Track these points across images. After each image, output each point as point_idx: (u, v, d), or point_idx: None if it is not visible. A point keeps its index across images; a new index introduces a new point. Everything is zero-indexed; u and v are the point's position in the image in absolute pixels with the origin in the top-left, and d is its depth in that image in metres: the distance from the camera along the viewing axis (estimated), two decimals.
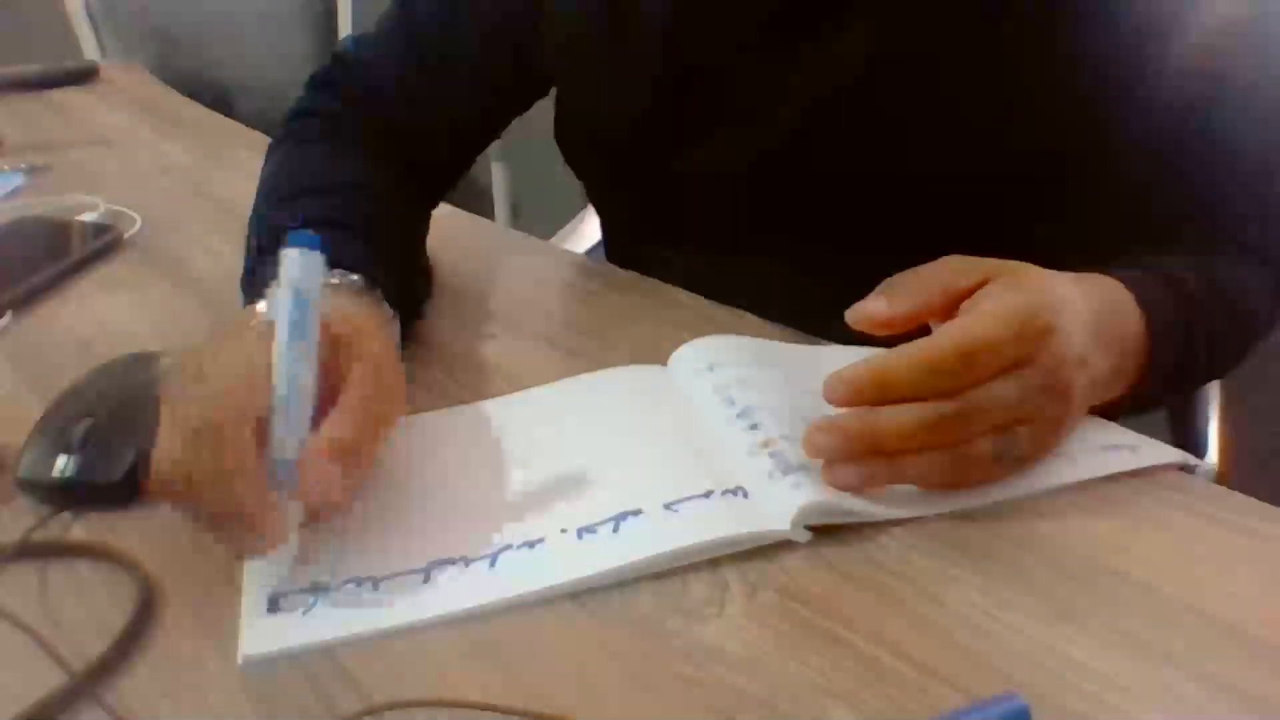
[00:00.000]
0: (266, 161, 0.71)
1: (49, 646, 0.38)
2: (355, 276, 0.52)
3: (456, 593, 0.41)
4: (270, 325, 0.42)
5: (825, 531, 0.43)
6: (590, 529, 0.43)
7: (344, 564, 0.42)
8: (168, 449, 0.39)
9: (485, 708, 0.35)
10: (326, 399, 0.43)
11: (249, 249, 0.60)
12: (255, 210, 0.64)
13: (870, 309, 0.46)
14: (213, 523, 0.41)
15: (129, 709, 0.36)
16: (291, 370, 0.41)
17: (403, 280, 0.58)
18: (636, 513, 0.44)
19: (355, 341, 0.45)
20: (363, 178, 0.66)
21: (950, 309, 0.45)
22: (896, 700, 0.35)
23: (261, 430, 0.41)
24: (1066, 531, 0.43)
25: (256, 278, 0.53)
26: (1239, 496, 0.45)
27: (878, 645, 0.38)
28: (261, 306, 0.47)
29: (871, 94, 0.60)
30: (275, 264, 0.43)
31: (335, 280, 0.51)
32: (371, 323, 0.48)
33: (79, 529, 0.46)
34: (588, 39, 0.68)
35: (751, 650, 0.38)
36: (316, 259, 0.42)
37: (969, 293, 0.45)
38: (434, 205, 0.73)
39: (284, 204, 0.63)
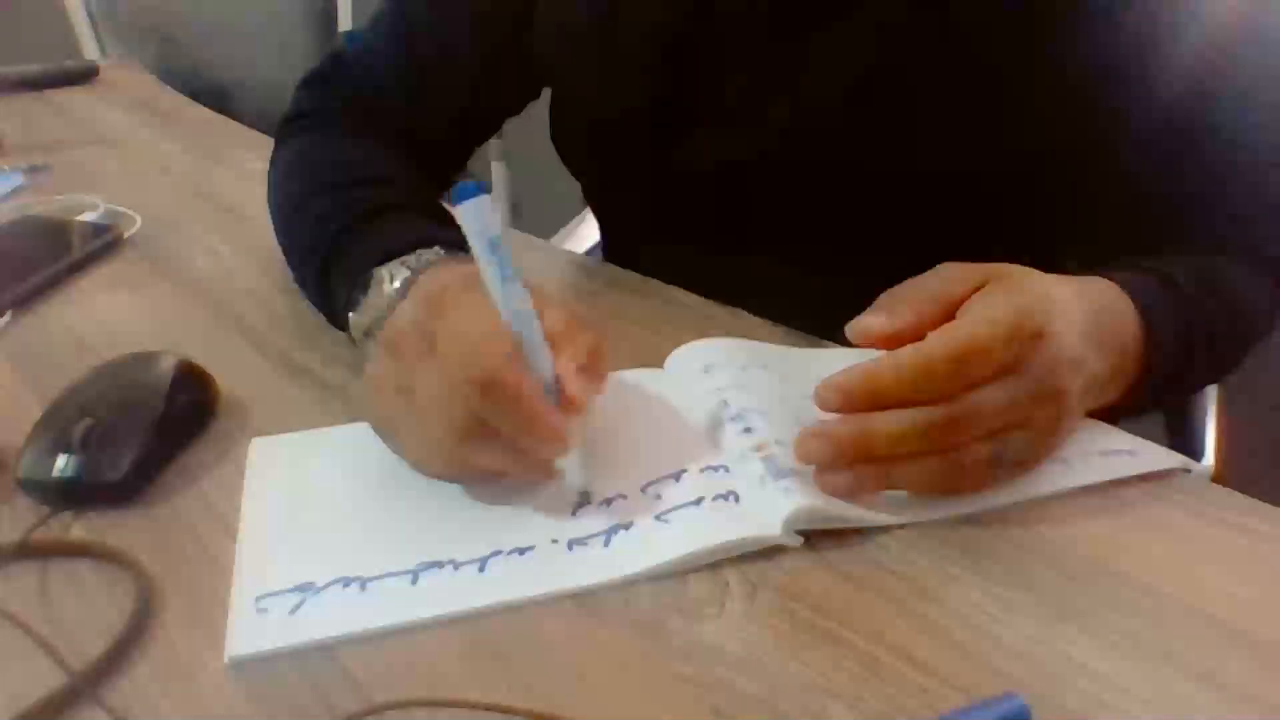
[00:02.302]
0: (280, 158, 0.71)
1: (49, 646, 0.38)
2: (438, 250, 0.54)
3: (444, 595, 0.41)
4: (466, 278, 0.45)
5: (825, 532, 0.43)
6: (581, 541, 0.43)
7: (332, 564, 0.42)
8: (461, 408, 0.43)
9: (485, 708, 0.35)
10: None
11: (318, 237, 0.60)
12: (305, 200, 0.64)
13: (870, 324, 0.46)
14: (509, 455, 0.44)
15: (129, 709, 0.36)
16: (518, 307, 0.44)
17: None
18: (627, 526, 0.44)
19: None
20: (395, 169, 0.67)
21: (947, 317, 0.45)
22: (896, 700, 0.35)
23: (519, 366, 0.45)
24: (1067, 532, 0.43)
25: (346, 261, 0.57)
26: (1239, 496, 0.46)
27: (878, 645, 0.38)
28: (399, 274, 0.52)
29: (870, 92, 0.60)
30: (368, 243, 0.51)
31: (433, 257, 0.54)
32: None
33: (79, 529, 0.46)
34: (584, 30, 0.68)
35: (751, 650, 0.38)
36: (490, 203, 0.44)
37: (965, 300, 0.45)
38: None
39: (346, 191, 0.63)
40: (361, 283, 0.54)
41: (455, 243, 0.55)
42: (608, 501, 0.46)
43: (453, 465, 0.45)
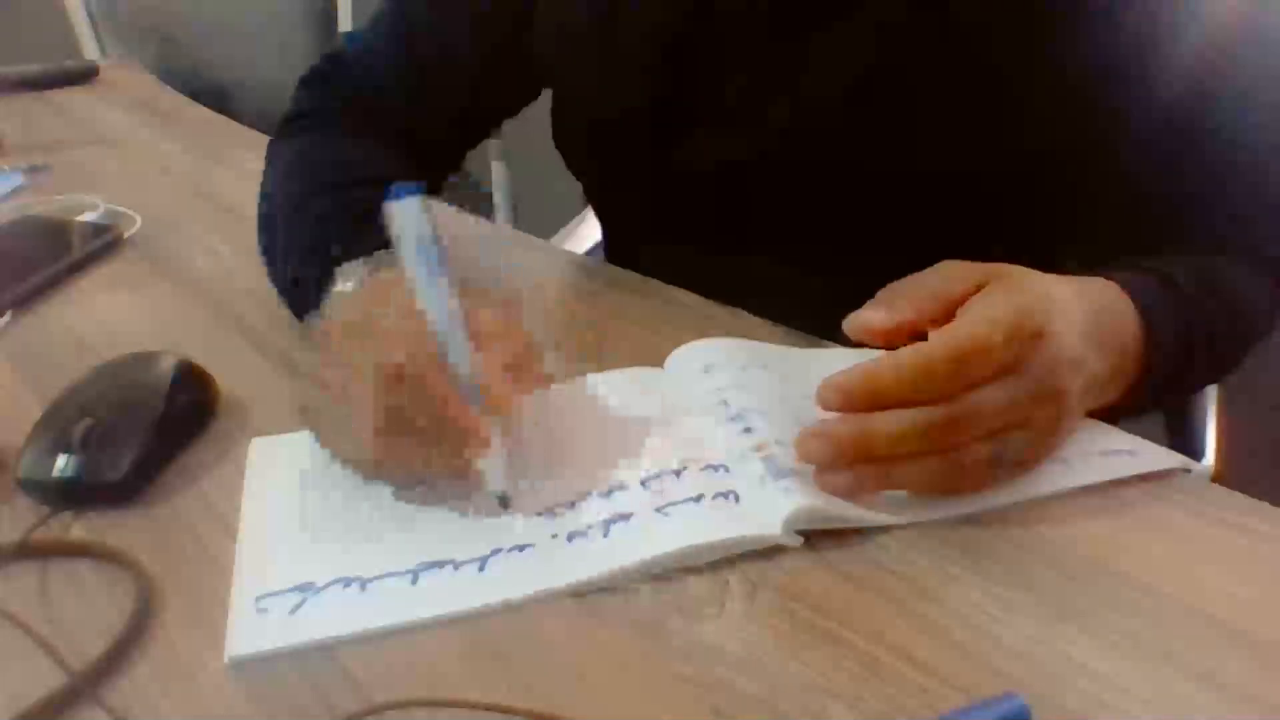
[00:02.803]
0: (274, 158, 0.71)
1: (49, 646, 0.38)
2: None
3: (445, 595, 0.41)
4: (401, 276, 0.45)
5: (825, 531, 0.43)
6: (580, 533, 0.43)
7: (332, 564, 0.42)
8: (380, 403, 0.43)
9: (485, 708, 0.35)
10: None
11: (295, 242, 0.60)
12: (300, 202, 0.64)
13: (869, 319, 0.46)
14: (432, 455, 0.44)
15: (129, 709, 0.36)
16: (443, 307, 0.44)
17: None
18: (627, 516, 0.44)
19: (464, 292, 0.47)
20: (393, 168, 0.67)
21: (948, 315, 0.45)
22: (896, 700, 0.35)
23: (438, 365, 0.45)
24: (1067, 532, 0.43)
25: (323, 259, 0.56)
26: (1239, 496, 0.45)
27: (878, 645, 0.38)
28: (356, 271, 0.52)
29: (870, 92, 0.60)
30: (360, 241, 0.51)
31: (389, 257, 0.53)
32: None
33: (79, 529, 0.46)
34: (583, 30, 0.68)
35: (751, 650, 0.38)
36: (424, 204, 0.44)
37: (965, 298, 0.45)
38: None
39: (342, 192, 0.63)
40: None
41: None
42: (606, 493, 0.46)
43: (377, 460, 0.45)
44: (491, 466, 0.44)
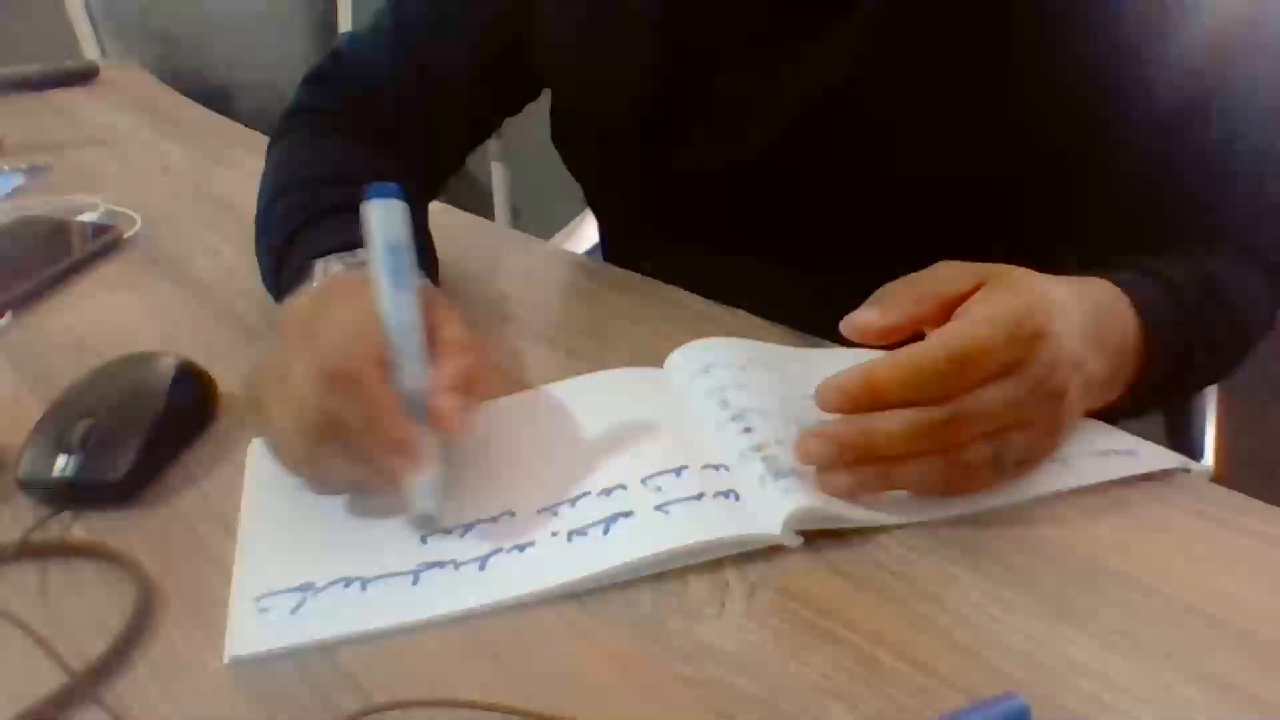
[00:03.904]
0: (270, 155, 0.72)
1: (49, 646, 0.38)
2: None
3: (446, 595, 0.41)
4: (367, 278, 0.44)
5: (825, 531, 0.43)
6: (580, 531, 0.43)
7: (332, 564, 0.42)
8: (313, 402, 0.42)
9: (485, 708, 0.35)
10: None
11: (278, 233, 0.61)
12: (276, 198, 0.65)
13: (863, 320, 0.46)
14: (364, 463, 0.43)
15: (128, 709, 0.36)
16: (401, 314, 0.43)
17: (429, 264, 0.61)
18: (627, 514, 0.44)
19: (432, 304, 0.47)
20: (378, 168, 0.66)
21: (944, 315, 0.45)
22: (896, 700, 0.35)
23: (384, 372, 0.43)
24: (1067, 532, 0.43)
25: (295, 257, 0.57)
26: (1239, 496, 0.46)
27: (878, 645, 0.38)
28: (332, 268, 0.52)
29: (865, 93, 0.60)
30: (316, 240, 0.51)
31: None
32: (434, 293, 0.49)
33: (79, 529, 0.46)
34: (580, 37, 0.68)
35: (751, 650, 0.38)
36: (400, 208, 0.43)
37: (962, 298, 0.45)
38: (429, 200, 0.74)
39: (314, 189, 0.63)
40: (306, 277, 0.54)
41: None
42: (607, 492, 0.46)
43: (307, 462, 0.44)
44: (422, 486, 0.43)
